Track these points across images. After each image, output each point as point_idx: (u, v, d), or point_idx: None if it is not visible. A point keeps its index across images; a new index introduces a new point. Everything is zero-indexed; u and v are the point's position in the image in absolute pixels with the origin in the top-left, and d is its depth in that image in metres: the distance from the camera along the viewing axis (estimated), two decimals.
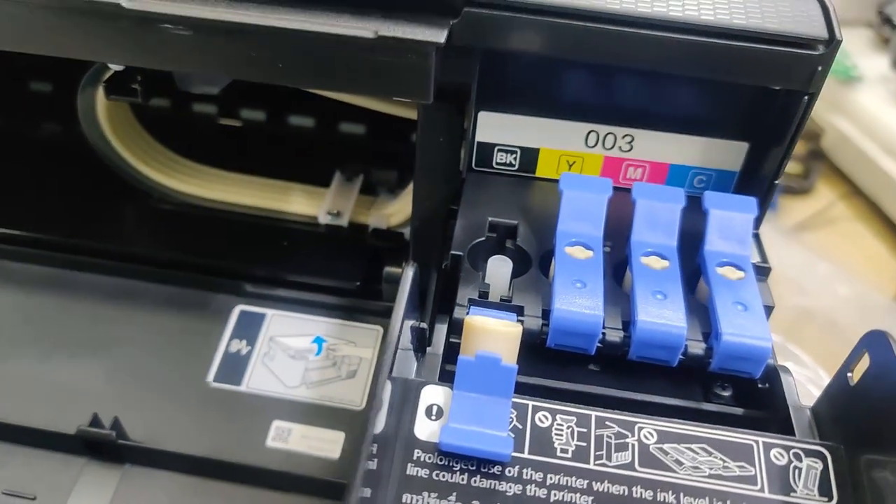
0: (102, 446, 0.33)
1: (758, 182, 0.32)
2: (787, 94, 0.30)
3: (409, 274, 0.24)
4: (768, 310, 0.29)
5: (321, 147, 0.47)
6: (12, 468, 0.33)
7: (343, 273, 0.40)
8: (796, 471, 0.23)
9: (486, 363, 0.24)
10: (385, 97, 0.36)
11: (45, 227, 0.41)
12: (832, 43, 0.28)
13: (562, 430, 0.23)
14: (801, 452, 0.23)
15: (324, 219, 0.42)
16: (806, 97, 0.29)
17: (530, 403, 0.24)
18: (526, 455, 0.23)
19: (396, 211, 0.42)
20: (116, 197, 0.43)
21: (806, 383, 0.57)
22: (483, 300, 0.28)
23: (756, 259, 0.31)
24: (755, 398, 0.27)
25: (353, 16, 0.28)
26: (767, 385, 0.27)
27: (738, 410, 0.27)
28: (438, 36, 0.27)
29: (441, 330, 0.28)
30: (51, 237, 0.40)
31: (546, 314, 0.28)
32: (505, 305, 0.28)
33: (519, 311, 0.28)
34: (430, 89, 0.28)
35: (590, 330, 0.27)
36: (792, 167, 0.84)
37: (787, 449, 0.23)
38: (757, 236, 0.32)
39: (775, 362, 0.28)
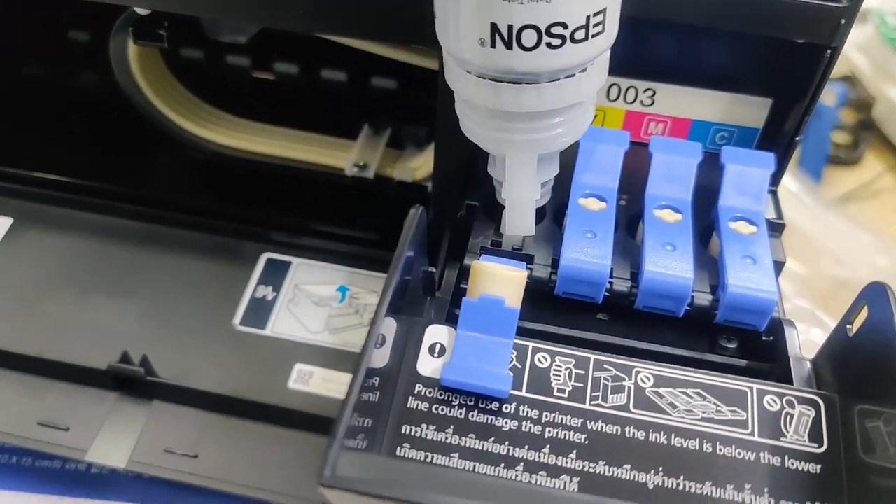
0: (132, 382, 0.34)
1: (779, 139, 0.32)
2: (810, 49, 0.29)
3: (413, 215, 0.24)
4: (779, 265, 0.29)
5: (352, 101, 0.47)
6: (47, 401, 0.35)
7: (367, 224, 0.41)
8: (788, 417, 0.23)
9: (490, 305, 0.24)
10: (402, 42, 0.36)
11: (82, 174, 0.42)
12: None
13: (560, 371, 0.24)
14: (794, 400, 0.23)
15: (350, 171, 0.43)
16: (829, 51, 0.29)
17: (531, 345, 0.25)
18: (523, 393, 0.24)
19: (421, 164, 0.43)
20: (150, 145, 0.45)
21: None
22: (494, 248, 0.29)
23: (771, 215, 0.31)
24: (760, 351, 0.28)
25: None
26: (772, 338, 0.27)
27: (742, 362, 0.27)
28: None
29: (451, 275, 0.29)
30: (86, 183, 0.42)
31: (556, 263, 0.28)
32: (515, 254, 0.29)
33: (529, 259, 0.28)
34: None
35: (596, 278, 0.27)
36: (841, 137, 0.82)
37: (781, 396, 0.24)
38: (774, 193, 0.32)
39: (781, 316, 0.28)
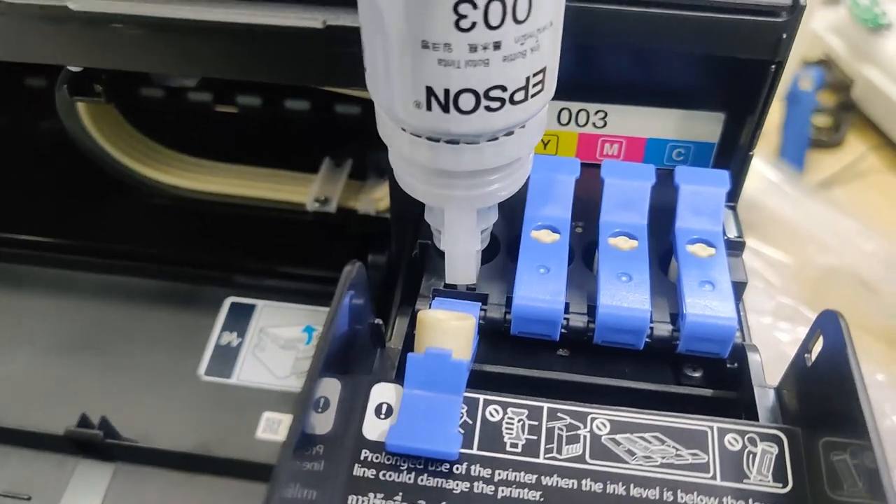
0: (91, 446, 0.33)
1: (736, 152, 0.32)
2: (755, 63, 0.29)
3: (348, 273, 0.23)
4: (740, 286, 0.28)
5: (313, 131, 0.46)
6: (8, 469, 0.34)
7: (331, 261, 0.39)
8: (750, 456, 0.22)
9: (436, 359, 0.23)
10: (339, 87, 0.35)
11: (35, 229, 0.42)
12: (796, 9, 0.27)
13: (512, 424, 0.23)
14: (756, 437, 0.23)
15: (311, 206, 0.42)
16: (773, 66, 0.28)
17: (481, 398, 0.24)
18: (475, 451, 0.23)
19: (384, 195, 0.42)
20: (106, 193, 0.44)
21: None
22: (447, 290, 0.28)
23: (732, 233, 0.30)
24: (725, 378, 0.27)
25: (300, 6, 0.28)
26: (736, 365, 0.27)
27: (708, 392, 0.27)
28: None
29: (402, 322, 0.28)
30: (40, 239, 0.41)
31: (510, 302, 0.27)
32: (469, 294, 0.28)
33: (483, 299, 0.28)
34: None
35: (551, 317, 0.26)
36: (821, 120, 0.82)
37: (742, 434, 0.23)
38: (733, 209, 0.31)
39: (745, 342, 0.27)
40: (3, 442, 0.34)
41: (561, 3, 0.22)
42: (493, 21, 0.20)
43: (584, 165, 0.31)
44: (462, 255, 0.27)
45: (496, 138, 0.23)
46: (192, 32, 0.28)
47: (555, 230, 0.29)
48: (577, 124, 0.33)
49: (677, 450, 0.23)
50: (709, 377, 0.27)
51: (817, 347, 0.23)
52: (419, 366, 0.23)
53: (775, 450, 0.22)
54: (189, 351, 0.38)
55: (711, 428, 0.23)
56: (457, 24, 0.20)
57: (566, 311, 0.27)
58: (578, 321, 0.27)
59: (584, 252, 0.30)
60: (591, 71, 0.31)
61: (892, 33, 0.80)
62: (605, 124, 0.33)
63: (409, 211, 0.34)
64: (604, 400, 0.24)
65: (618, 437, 0.23)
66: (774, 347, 0.55)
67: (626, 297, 0.26)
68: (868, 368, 0.55)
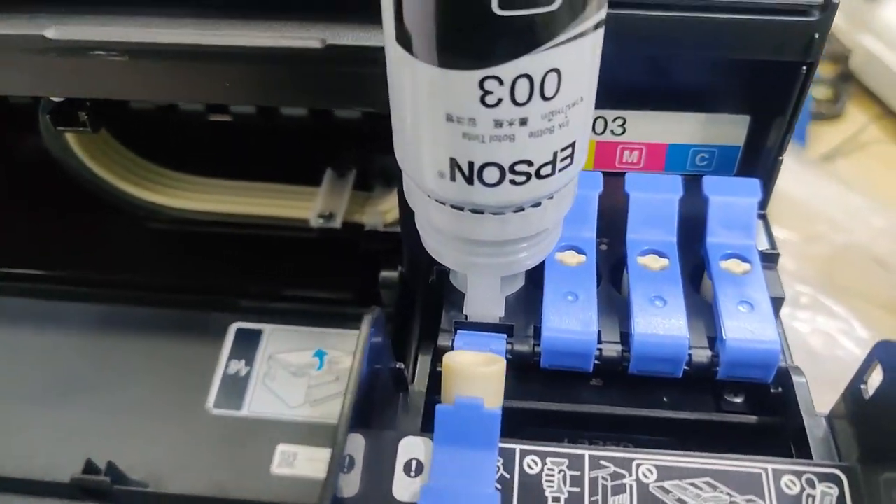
0: (99, 493, 0.32)
1: (763, 156, 0.30)
2: (785, 64, 0.27)
3: (366, 322, 0.22)
4: (778, 302, 0.27)
5: (313, 138, 0.44)
6: None
7: (339, 280, 0.38)
8: (809, 499, 0.21)
9: (467, 411, 0.22)
10: (341, 107, 0.34)
11: (26, 259, 0.40)
12: (828, 8, 0.25)
13: (553, 476, 0.22)
14: (814, 478, 0.21)
15: (315, 222, 0.40)
16: (804, 67, 0.27)
17: (517, 448, 0.22)
18: None
19: (391, 207, 0.40)
20: (97, 217, 0.42)
21: (837, 335, 0.55)
22: (469, 322, 0.26)
23: (764, 245, 0.29)
24: (769, 403, 0.26)
25: (298, 25, 0.26)
26: (780, 389, 0.25)
27: (752, 419, 0.25)
28: None
29: (425, 361, 0.26)
30: (34, 270, 0.39)
31: (538, 332, 0.26)
32: (493, 326, 0.26)
33: (509, 331, 0.26)
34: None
35: (583, 349, 0.25)
36: (820, 92, 0.81)
37: (799, 475, 0.21)
38: (764, 217, 0.30)
39: (788, 364, 0.26)
40: (5, 491, 0.33)
41: (594, 79, 0.21)
42: (520, 98, 0.19)
43: (604, 175, 0.29)
44: (485, 319, 0.27)
45: (522, 209, 0.22)
46: (178, 57, 0.26)
47: (580, 251, 0.27)
48: (595, 132, 0.31)
49: (731, 496, 0.21)
50: (751, 402, 0.26)
51: (874, 378, 0.22)
52: (449, 418, 0.22)
53: (835, 491, 0.21)
54: (195, 383, 0.36)
55: (766, 469, 0.22)
56: (482, 99, 0.19)
57: (598, 339, 0.25)
58: (612, 350, 0.25)
59: (611, 271, 0.28)
60: (609, 77, 0.29)
61: (891, 1, 0.79)
62: (623, 131, 0.31)
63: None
64: (642, 432, 0.23)
65: (666, 484, 0.21)
66: (794, 339, 0.54)
67: (661, 324, 0.25)
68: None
